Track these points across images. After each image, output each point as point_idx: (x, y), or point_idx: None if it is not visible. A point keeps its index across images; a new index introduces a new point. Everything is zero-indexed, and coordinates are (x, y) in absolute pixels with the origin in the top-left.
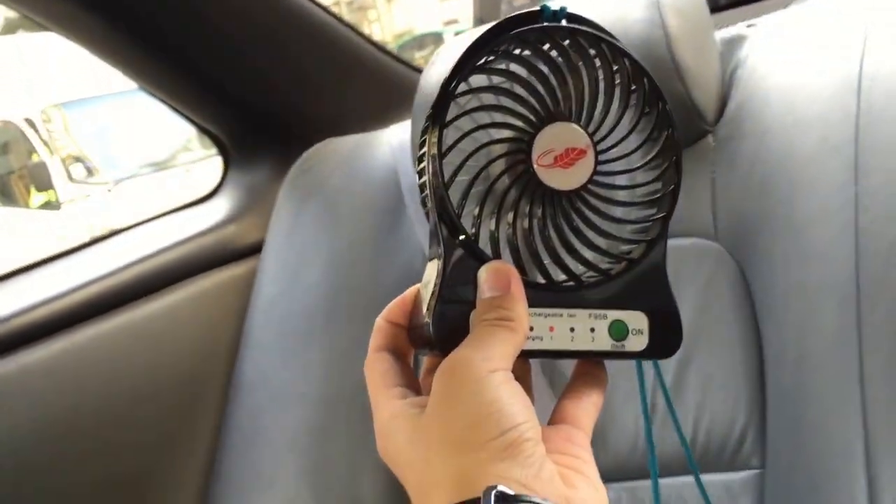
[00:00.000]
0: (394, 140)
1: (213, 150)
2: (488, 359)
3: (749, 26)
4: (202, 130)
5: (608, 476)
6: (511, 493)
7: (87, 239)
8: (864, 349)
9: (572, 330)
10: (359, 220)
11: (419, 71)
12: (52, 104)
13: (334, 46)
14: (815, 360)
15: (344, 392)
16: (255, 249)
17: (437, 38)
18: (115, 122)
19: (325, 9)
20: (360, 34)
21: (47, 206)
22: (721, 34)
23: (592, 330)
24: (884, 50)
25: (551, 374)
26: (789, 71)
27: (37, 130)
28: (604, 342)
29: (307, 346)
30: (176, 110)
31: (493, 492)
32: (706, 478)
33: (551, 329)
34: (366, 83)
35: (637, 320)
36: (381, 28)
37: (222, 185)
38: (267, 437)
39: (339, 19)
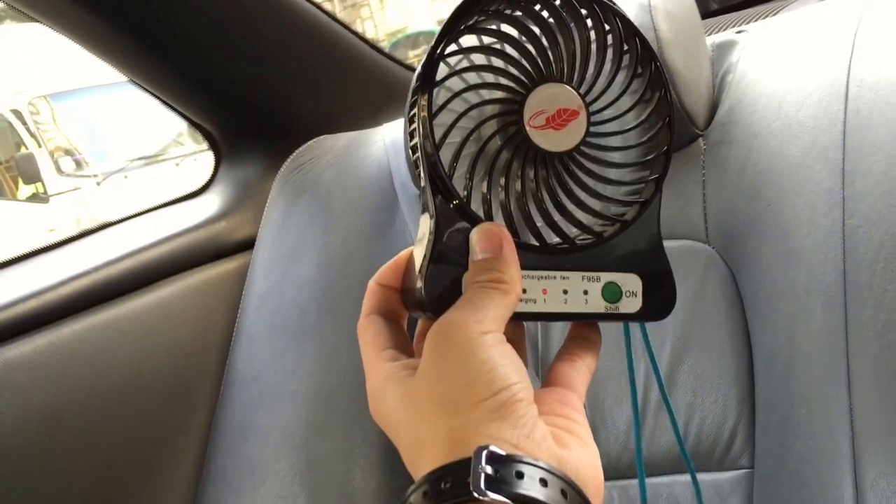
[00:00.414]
0: (387, 138)
1: (205, 145)
2: (480, 321)
3: (739, 32)
4: (194, 125)
5: None
6: (502, 453)
7: (75, 232)
8: (850, 351)
9: (565, 292)
10: (351, 217)
11: (412, 70)
12: (40, 95)
13: (328, 43)
14: (802, 361)
15: (336, 388)
16: (246, 245)
17: (430, 37)
18: (105, 115)
19: (317, 5)
20: (354, 32)
21: (34, 198)
22: (712, 39)
23: (586, 292)
24: (871, 57)
25: (544, 371)
26: (778, 76)
27: (24, 122)
28: (597, 304)
29: (299, 342)
30: (167, 105)
31: (484, 452)
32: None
33: (544, 291)
34: (359, 81)
35: (631, 282)
36: (373, 26)
37: (214, 180)
38: (259, 432)
39: (333, 16)
